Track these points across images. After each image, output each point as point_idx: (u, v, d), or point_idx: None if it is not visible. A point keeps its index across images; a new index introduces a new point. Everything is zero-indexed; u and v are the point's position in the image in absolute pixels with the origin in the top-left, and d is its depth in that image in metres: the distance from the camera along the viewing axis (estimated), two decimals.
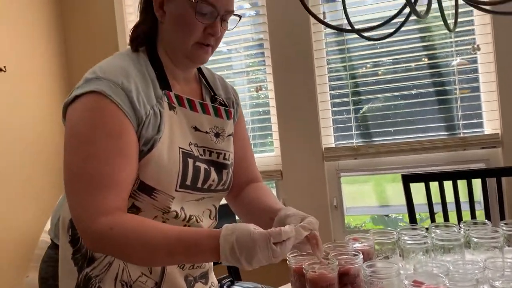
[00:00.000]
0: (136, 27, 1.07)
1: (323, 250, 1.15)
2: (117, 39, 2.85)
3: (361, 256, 1.10)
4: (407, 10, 1.07)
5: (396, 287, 1.04)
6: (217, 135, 1.11)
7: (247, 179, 1.24)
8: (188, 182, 1.03)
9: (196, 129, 1.07)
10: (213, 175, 1.09)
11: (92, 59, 3.03)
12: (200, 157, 1.07)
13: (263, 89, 2.71)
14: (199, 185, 1.06)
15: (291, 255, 1.12)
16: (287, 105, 2.59)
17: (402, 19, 1.13)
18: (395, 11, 1.05)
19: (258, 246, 0.84)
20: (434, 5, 1.06)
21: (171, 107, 1.02)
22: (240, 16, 1.08)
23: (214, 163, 1.10)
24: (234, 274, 1.72)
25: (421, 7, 1.16)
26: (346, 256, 1.11)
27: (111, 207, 0.89)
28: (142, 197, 0.99)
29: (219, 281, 1.73)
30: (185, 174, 1.02)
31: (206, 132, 1.09)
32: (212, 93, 1.16)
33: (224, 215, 1.28)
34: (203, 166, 1.06)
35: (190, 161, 1.04)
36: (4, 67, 2.46)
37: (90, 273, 1.00)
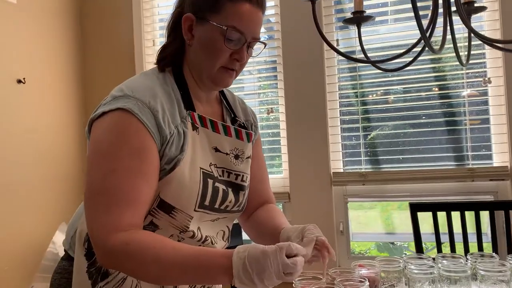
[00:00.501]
0: (164, 48, 1.09)
1: (330, 274, 1.16)
2: (134, 54, 2.92)
3: (367, 283, 1.10)
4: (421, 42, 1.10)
5: None
6: (236, 156, 1.12)
7: (261, 200, 1.25)
8: (206, 203, 1.05)
9: (216, 150, 1.09)
10: (231, 196, 1.11)
11: (109, 74, 3.10)
12: (219, 177, 1.08)
13: (274, 111, 2.74)
14: (217, 205, 1.08)
15: (297, 279, 1.13)
16: (297, 128, 2.61)
17: (418, 49, 1.15)
18: (409, 40, 1.08)
19: (268, 259, 0.83)
20: (448, 36, 1.09)
21: (194, 127, 1.04)
22: (265, 44, 1.11)
23: (232, 184, 1.12)
24: None
25: (435, 38, 1.19)
26: (352, 283, 1.12)
27: (128, 223, 0.90)
28: (160, 215, 1.00)
29: None
30: (205, 194, 1.04)
31: (226, 154, 1.10)
32: (233, 115, 1.18)
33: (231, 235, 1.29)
34: (221, 187, 1.08)
35: (210, 181, 1.05)
36: (24, 79, 2.52)
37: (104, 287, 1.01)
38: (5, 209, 2.40)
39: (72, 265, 1.06)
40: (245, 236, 2.54)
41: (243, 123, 1.19)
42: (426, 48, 1.06)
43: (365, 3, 2.52)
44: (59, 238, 2.35)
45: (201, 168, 1.04)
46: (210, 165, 1.07)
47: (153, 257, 0.87)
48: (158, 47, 2.92)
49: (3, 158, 2.41)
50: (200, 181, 1.03)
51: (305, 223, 1.15)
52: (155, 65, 1.10)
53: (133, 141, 0.93)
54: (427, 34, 0.97)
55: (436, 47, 0.92)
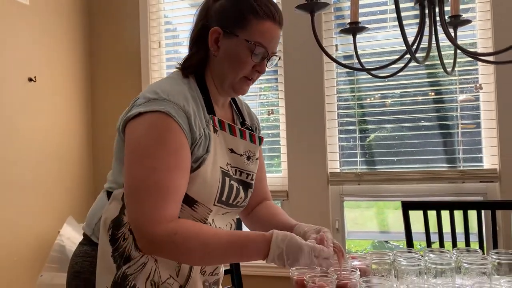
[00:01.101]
0: (189, 58, 1.18)
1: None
2: (140, 55, 3.01)
3: (358, 272, 1.19)
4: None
5: None
6: (248, 158, 1.24)
7: (260, 197, 1.39)
8: (224, 198, 1.16)
9: (232, 151, 1.20)
10: (242, 193, 1.22)
11: (115, 74, 3.19)
12: (233, 176, 1.20)
13: (275, 112, 2.83)
14: (231, 201, 1.20)
15: (294, 268, 1.22)
16: (296, 129, 2.71)
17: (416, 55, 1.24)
18: (404, 47, 1.17)
19: (303, 255, 1.01)
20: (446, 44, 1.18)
21: (215, 130, 1.14)
22: (280, 57, 1.23)
23: (242, 182, 1.24)
24: (238, 285, 1.81)
25: (423, 45, 1.28)
26: (345, 272, 1.20)
27: (172, 214, 1.00)
28: (184, 207, 1.10)
29: None
30: (223, 191, 1.15)
31: (240, 155, 1.22)
32: (241, 119, 1.30)
33: None
34: (235, 184, 1.20)
35: (227, 179, 1.17)
36: (35, 77, 2.61)
37: (126, 271, 1.09)
38: (15, 204, 2.48)
39: (94, 249, 1.13)
40: (245, 228, 2.63)
41: (250, 126, 1.30)
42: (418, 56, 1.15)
43: (365, 10, 2.63)
44: (66, 230, 2.45)
45: (220, 167, 1.15)
46: (227, 165, 1.18)
47: (198, 245, 1.00)
48: (164, 48, 3.05)
49: (14, 154, 2.50)
50: (219, 179, 1.14)
51: (303, 221, 1.30)
52: (177, 70, 1.19)
53: (171, 141, 1.02)
54: (416, 44, 1.06)
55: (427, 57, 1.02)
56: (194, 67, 1.16)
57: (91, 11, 3.13)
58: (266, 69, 1.18)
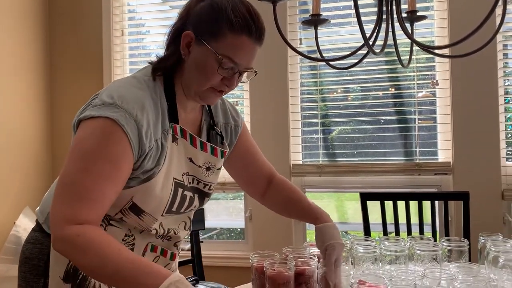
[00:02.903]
0: (164, 59, 1.11)
1: (283, 252, 1.28)
2: (102, 43, 2.94)
3: (316, 259, 1.23)
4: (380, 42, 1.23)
5: (345, 287, 1.18)
6: (208, 169, 1.20)
7: (266, 175, 1.40)
8: (174, 209, 1.14)
9: (191, 160, 1.16)
10: (196, 201, 1.21)
11: (76, 61, 3.09)
12: (188, 185, 1.17)
13: (239, 105, 2.85)
14: (182, 210, 1.18)
15: (254, 255, 1.24)
16: (260, 121, 2.73)
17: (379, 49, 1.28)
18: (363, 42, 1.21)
19: None
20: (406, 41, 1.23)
21: (174, 139, 1.10)
22: (256, 72, 1.17)
23: (199, 191, 1.21)
24: (199, 274, 1.82)
25: (379, 41, 1.33)
26: (303, 259, 1.23)
27: (84, 218, 0.96)
28: (130, 215, 1.09)
29: None
30: (173, 202, 1.13)
31: (199, 166, 1.18)
32: (212, 122, 1.24)
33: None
34: (189, 194, 1.17)
35: (180, 190, 1.14)
36: None
37: None
38: None
39: (45, 236, 1.13)
40: (208, 222, 2.64)
41: (220, 132, 1.25)
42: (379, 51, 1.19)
43: (328, 5, 2.67)
44: (22, 221, 2.37)
45: (174, 178, 1.12)
46: (183, 175, 1.15)
47: (95, 251, 0.92)
48: (126, 37, 2.99)
49: None
50: (171, 191, 1.12)
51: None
52: (148, 66, 1.13)
53: (112, 149, 0.98)
54: (373, 37, 1.10)
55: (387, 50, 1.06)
56: (167, 69, 1.11)
57: None
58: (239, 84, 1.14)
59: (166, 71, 1.11)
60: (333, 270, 1.18)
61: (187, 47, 1.07)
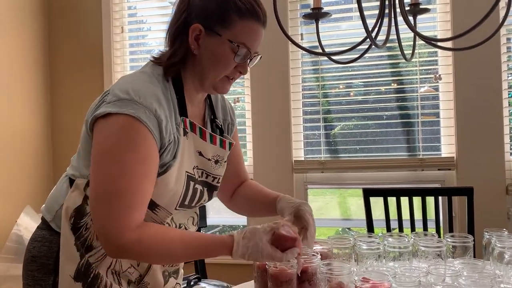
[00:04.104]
0: (172, 55, 1.10)
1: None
2: (102, 39, 2.93)
3: (319, 256, 1.21)
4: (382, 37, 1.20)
5: (348, 284, 1.16)
6: (216, 161, 1.22)
7: (240, 179, 1.40)
8: (186, 202, 1.15)
9: (200, 154, 1.17)
10: (205, 195, 1.22)
11: (76, 58, 3.08)
12: (198, 179, 1.18)
13: (240, 101, 2.83)
14: (193, 204, 1.19)
15: None
16: (261, 118, 2.72)
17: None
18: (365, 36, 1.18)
19: (263, 258, 1.03)
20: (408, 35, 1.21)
21: (185, 133, 1.11)
22: (261, 56, 1.18)
23: (207, 185, 1.22)
24: (201, 272, 1.80)
25: (382, 36, 1.31)
26: (306, 256, 1.22)
27: (137, 221, 0.98)
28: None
29: (187, 278, 1.82)
30: (186, 195, 1.14)
31: (208, 159, 1.19)
32: (212, 116, 1.26)
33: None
34: (199, 187, 1.18)
35: (192, 184, 1.15)
36: None
37: (89, 260, 1.08)
38: None
39: (53, 235, 1.12)
40: (210, 219, 2.63)
41: (220, 124, 1.27)
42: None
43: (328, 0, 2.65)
44: (24, 220, 2.37)
45: (186, 171, 1.13)
46: (193, 168, 1.16)
47: (164, 251, 1.01)
48: (127, 34, 2.97)
49: None
50: (184, 184, 1.12)
51: None
52: (151, 63, 1.13)
53: (140, 148, 0.99)
54: (376, 30, 1.08)
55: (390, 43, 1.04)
56: (178, 65, 1.10)
57: None
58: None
59: (178, 67, 1.11)
60: (312, 233, 1.19)
61: (196, 40, 1.08)
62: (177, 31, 1.10)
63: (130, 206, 0.98)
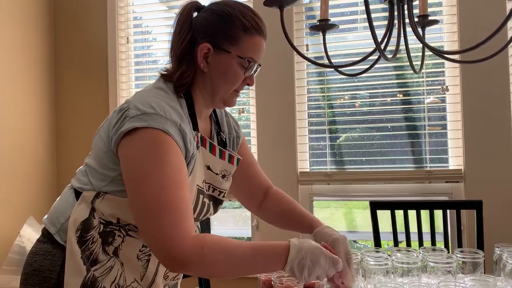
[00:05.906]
0: (181, 75, 1.13)
1: None
2: (107, 50, 2.93)
3: None
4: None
5: None
6: (223, 176, 1.24)
7: (263, 187, 1.42)
8: (195, 215, 1.16)
9: (208, 168, 1.20)
10: (211, 209, 1.23)
11: (81, 69, 3.08)
12: (206, 192, 1.20)
13: (245, 112, 2.82)
14: (200, 217, 1.20)
15: None
16: (267, 128, 2.70)
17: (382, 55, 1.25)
18: (372, 48, 1.17)
19: (322, 255, 1.04)
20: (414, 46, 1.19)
21: (197, 147, 1.14)
22: (261, 66, 1.21)
23: (213, 198, 1.24)
24: (205, 284, 1.77)
25: (391, 47, 1.29)
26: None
27: (191, 229, 0.98)
28: None
29: None
30: (195, 208, 1.15)
31: (216, 174, 1.22)
32: (218, 129, 1.29)
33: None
34: (207, 201, 1.20)
35: (201, 197, 1.17)
36: None
37: (95, 273, 1.07)
38: None
39: (56, 248, 1.10)
40: (214, 230, 2.60)
41: (225, 138, 1.30)
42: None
43: (335, 10, 2.64)
44: (26, 231, 2.35)
45: (197, 185, 1.15)
46: (203, 182, 1.18)
47: (225, 256, 0.99)
48: (132, 44, 2.98)
49: None
50: (194, 198, 1.14)
51: None
52: (162, 80, 1.15)
53: (173, 160, 1.00)
54: (385, 42, 1.06)
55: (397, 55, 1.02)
56: (188, 84, 1.14)
57: (57, 4, 3.03)
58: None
59: (188, 86, 1.14)
60: (347, 268, 1.17)
61: (205, 58, 1.12)
62: (184, 51, 1.13)
63: (180, 216, 0.97)
